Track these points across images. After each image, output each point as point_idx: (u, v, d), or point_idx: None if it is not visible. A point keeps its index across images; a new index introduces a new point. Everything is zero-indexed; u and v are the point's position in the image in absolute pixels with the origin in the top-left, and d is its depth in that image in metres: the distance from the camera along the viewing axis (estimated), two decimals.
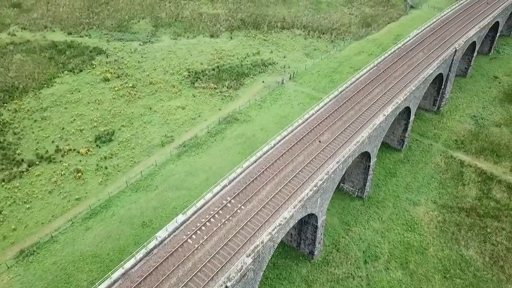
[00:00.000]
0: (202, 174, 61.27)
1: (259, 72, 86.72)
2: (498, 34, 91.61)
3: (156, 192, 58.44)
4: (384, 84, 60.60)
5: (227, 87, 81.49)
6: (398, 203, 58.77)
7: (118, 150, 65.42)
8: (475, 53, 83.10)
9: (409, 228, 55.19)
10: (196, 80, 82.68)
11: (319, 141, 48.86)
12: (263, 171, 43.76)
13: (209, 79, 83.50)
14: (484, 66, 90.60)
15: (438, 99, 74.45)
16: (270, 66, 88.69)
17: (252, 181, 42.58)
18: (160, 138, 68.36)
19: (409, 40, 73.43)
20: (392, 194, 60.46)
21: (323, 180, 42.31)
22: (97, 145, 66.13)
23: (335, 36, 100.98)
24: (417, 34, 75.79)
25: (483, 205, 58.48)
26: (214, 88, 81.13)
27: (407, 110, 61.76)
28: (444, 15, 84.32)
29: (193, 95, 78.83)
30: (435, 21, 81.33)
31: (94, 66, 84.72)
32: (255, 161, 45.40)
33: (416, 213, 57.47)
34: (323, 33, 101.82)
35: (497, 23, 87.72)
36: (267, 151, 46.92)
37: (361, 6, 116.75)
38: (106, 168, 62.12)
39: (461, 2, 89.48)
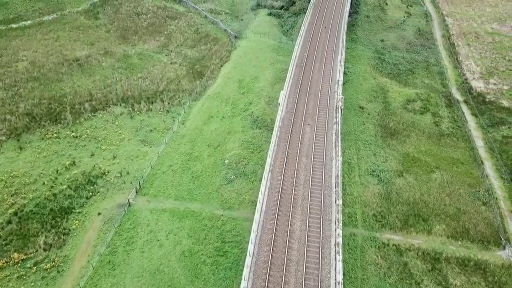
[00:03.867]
0: None
1: (87, 198, 57.60)
2: None
3: None
4: (302, 214, 41.34)
5: (44, 249, 50.50)
6: None
7: None
8: None
9: None
10: None
11: None
12: None
13: (7, 244, 50.62)
14: (343, 94, 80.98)
15: None
16: (99, 181, 60.19)
17: None
18: None
19: (282, 110, 55.81)
20: None
21: None
22: None
23: (168, 103, 77.32)
24: (285, 95, 58.88)
25: None
26: (22, 260, 49.10)
27: None
28: (296, 56, 69.72)
29: None
30: (293, 69, 65.91)
31: None
32: None
33: None
34: (152, 102, 76.92)
35: None
36: None
37: (180, 49, 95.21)
38: None
39: (301, 33, 76.46)
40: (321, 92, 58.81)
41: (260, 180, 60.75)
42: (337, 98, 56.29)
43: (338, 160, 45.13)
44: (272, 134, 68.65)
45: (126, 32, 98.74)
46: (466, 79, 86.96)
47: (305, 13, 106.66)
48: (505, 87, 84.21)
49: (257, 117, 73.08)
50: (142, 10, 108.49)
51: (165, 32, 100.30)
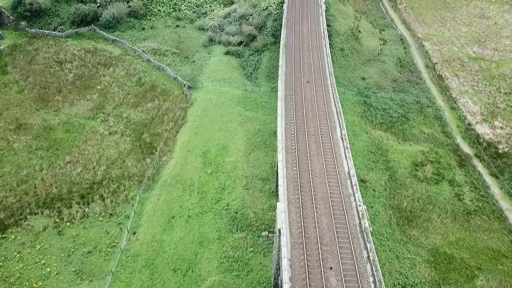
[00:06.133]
0: None
1: None
2: None
3: None
4: None
5: None
6: None
7: None
8: None
9: None
10: None
11: None
12: None
13: None
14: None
15: None
16: None
17: None
18: None
19: (287, 243, 37.72)
20: None
21: None
22: None
23: (111, 200, 56.82)
24: (284, 211, 40.82)
25: None
26: None
27: None
28: (282, 134, 51.62)
29: None
30: (283, 159, 47.76)
31: None
32: None
33: None
34: (88, 202, 56.11)
35: None
36: None
37: (120, 110, 74.16)
38: None
39: (280, 95, 58.55)
40: (332, 198, 41.89)
41: None
42: (358, 211, 39.74)
43: None
44: (260, 240, 51.29)
45: (46, 91, 75.99)
46: (469, 124, 74.23)
47: (268, 49, 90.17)
48: None
49: (236, 212, 54.98)
50: (65, 56, 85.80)
51: (98, 87, 78.71)
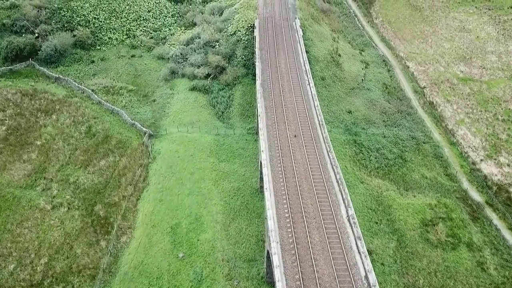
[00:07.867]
0: None
1: None
2: None
3: None
4: None
5: None
6: None
7: None
8: None
9: None
10: None
11: None
12: None
13: None
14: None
15: None
16: None
17: None
18: None
19: None
20: None
21: None
22: None
23: None
24: None
25: None
26: None
27: None
28: (272, 218, 40.26)
29: None
30: (280, 263, 36.46)
31: None
32: None
33: None
34: None
35: None
36: None
37: (65, 172, 60.51)
38: None
39: (263, 158, 47.16)
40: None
41: None
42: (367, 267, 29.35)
43: None
44: None
45: None
46: (473, 163, 65.88)
47: (240, 83, 78.77)
48: None
49: None
50: None
51: (38, 142, 64.74)
